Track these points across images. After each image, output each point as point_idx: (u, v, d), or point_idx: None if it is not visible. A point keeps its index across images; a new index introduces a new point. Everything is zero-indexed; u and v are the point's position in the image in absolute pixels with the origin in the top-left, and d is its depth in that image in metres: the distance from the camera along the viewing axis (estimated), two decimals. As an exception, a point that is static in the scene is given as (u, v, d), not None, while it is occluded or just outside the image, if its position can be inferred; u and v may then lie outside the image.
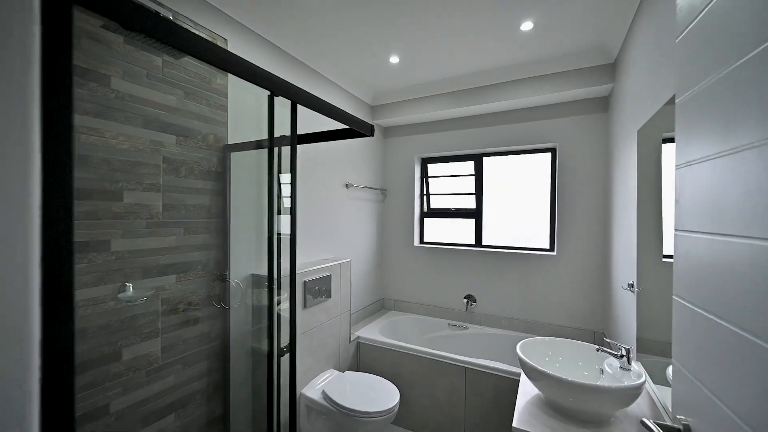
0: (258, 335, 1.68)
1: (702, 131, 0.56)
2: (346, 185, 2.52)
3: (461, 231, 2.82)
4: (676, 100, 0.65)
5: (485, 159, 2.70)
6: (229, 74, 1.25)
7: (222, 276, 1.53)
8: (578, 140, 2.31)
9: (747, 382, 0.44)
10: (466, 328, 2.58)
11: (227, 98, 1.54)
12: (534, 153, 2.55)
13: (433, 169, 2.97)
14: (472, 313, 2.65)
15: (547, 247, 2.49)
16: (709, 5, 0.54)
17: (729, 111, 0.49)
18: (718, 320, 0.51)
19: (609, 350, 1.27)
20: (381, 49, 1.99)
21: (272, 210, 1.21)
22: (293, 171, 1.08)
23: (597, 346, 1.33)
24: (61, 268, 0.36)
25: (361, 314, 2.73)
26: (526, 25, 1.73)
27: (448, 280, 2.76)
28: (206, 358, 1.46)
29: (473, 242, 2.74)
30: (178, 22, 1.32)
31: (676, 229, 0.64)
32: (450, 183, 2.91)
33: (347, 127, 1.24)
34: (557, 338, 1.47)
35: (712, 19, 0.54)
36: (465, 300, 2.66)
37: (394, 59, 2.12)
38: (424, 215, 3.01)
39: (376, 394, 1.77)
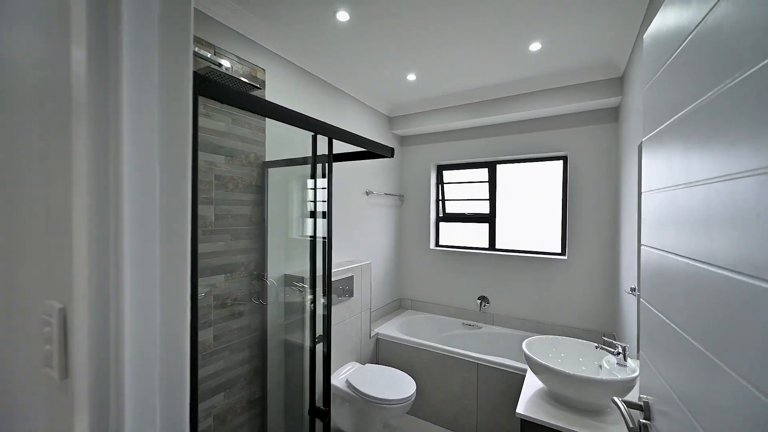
0: (290, 328, 1.90)
1: (655, 167, 0.71)
2: (366, 192, 2.71)
3: (475, 235, 2.96)
4: (642, 138, 0.79)
5: (498, 166, 2.82)
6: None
7: (260, 276, 1.75)
8: (589, 149, 2.40)
9: (679, 366, 0.59)
10: (480, 327, 2.72)
11: (264, 121, 1.76)
12: (546, 161, 2.65)
13: (448, 175, 3.12)
14: (485, 314, 2.78)
15: (559, 251, 2.59)
16: (663, 67, 0.69)
17: (668, 155, 0.64)
18: (662, 317, 0.65)
19: (607, 348, 1.40)
20: (399, 68, 2.17)
21: (315, 217, 1.42)
22: (329, 189, 1.28)
23: (596, 344, 1.46)
24: (195, 275, 0.56)
25: (380, 312, 2.92)
26: (534, 46, 1.86)
27: (462, 281, 2.91)
28: (248, 346, 1.69)
29: (487, 246, 2.87)
30: (230, 69, 1.55)
31: (641, 243, 0.79)
32: (464, 189, 3.05)
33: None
34: (560, 337, 1.60)
35: (661, 82, 0.69)
36: (479, 301, 2.79)
37: (411, 77, 2.30)
38: (439, 219, 3.17)
39: (395, 384, 1.95)
